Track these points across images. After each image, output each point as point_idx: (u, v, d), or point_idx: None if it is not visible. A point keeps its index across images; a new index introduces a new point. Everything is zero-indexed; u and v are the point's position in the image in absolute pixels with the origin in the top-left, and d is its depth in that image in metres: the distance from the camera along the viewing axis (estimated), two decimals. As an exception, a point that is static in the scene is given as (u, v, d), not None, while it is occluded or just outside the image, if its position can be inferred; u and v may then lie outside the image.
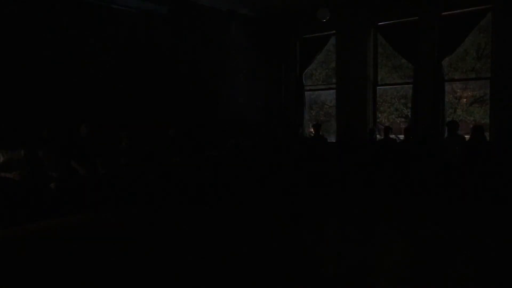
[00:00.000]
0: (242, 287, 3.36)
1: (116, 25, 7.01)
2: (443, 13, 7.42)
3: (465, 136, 7.15)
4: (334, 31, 8.82)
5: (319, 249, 4.33)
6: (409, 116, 8.33)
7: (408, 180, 6.92)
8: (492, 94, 7.23)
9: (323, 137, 8.41)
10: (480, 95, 8.90)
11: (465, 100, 9.27)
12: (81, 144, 6.03)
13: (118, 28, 7.04)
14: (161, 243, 4.48)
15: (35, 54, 6.07)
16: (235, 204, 6.48)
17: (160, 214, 5.74)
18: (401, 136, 7.82)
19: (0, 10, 5.73)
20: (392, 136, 7.69)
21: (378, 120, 8.91)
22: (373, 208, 6.14)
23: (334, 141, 8.84)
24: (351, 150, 7.91)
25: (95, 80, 6.71)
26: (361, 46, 8.43)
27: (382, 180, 7.20)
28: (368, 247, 4.38)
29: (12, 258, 3.98)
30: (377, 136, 8.21)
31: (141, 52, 7.33)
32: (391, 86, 9.19)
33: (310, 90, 9.75)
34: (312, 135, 8.69)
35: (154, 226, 5.15)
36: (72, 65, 6.47)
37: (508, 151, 6.55)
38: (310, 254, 4.17)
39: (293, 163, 8.07)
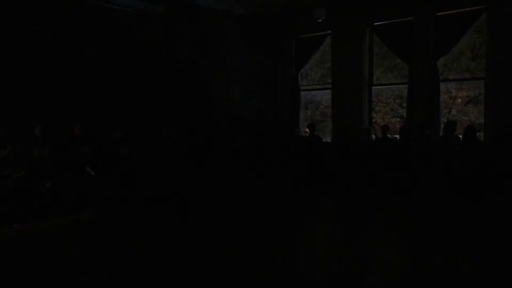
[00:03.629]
0: (238, 286, 3.36)
1: (112, 24, 6.98)
2: (438, 14, 7.45)
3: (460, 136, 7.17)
4: (329, 31, 8.84)
5: (314, 249, 4.33)
6: (404, 116, 8.36)
7: (405, 179, 6.93)
8: (486, 94, 7.28)
9: (318, 137, 8.42)
10: (474, 95, 8.94)
11: (460, 100, 9.30)
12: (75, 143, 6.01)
13: (114, 27, 7.01)
14: (158, 241, 4.47)
15: (30, 53, 6.04)
16: (230, 203, 6.46)
17: (156, 213, 5.71)
18: (397, 136, 7.86)
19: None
20: (389, 135, 7.72)
21: (373, 120, 8.94)
22: (369, 208, 6.15)
23: (329, 141, 8.85)
24: (347, 149, 7.92)
25: (90, 79, 6.68)
26: (356, 46, 8.45)
27: (378, 179, 7.21)
28: (364, 247, 4.38)
29: (11, 258, 3.95)
30: (373, 136, 8.22)
31: (136, 51, 7.31)
32: (387, 86, 9.21)
33: (305, 90, 9.75)
34: (307, 134, 8.70)
35: (150, 225, 5.13)
36: (67, 64, 6.44)
37: (503, 150, 6.59)
38: (305, 254, 4.17)
39: (288, 162, 8.08)
